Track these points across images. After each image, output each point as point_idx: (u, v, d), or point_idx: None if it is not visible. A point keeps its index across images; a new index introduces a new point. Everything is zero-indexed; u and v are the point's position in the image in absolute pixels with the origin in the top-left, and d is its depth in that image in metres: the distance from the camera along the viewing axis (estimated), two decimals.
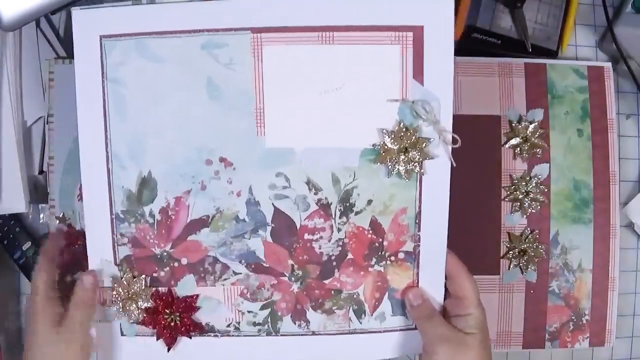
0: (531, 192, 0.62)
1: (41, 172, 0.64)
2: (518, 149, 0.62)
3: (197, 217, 0.50)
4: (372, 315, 0.51)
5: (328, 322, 0.52)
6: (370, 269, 0.51)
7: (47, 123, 0.63)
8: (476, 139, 0.62)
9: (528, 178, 0.62)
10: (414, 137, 0.48)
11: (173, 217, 0.50)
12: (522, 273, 0.62)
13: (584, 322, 0.62)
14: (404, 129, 0.48)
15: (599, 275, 0.62)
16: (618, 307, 0.62)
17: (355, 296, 0.51)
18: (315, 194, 0.50)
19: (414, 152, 0.48)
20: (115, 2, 0.54)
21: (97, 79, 0.49)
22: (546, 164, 0.62)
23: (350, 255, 0.51)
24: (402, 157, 0.48)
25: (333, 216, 0.50)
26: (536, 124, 0.62)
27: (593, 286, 0.62)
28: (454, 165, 0.48)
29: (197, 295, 0.51)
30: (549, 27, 0.63)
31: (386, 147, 0.48)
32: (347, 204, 0.50)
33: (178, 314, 0.51)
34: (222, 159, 0.49)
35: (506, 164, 0.62)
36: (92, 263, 0.51)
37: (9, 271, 0.66)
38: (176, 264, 0.51)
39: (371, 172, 0.49)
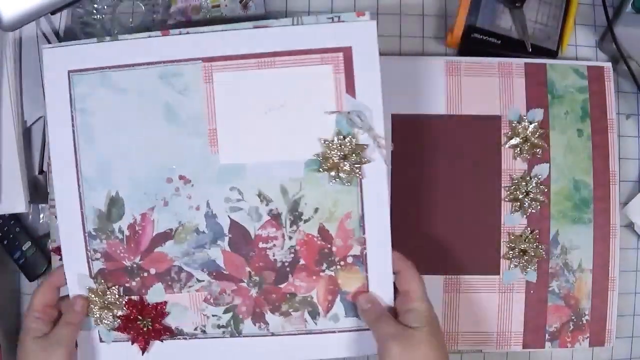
0: (531, 192, 0.62)
1: (41, 172, 0.64)
2: (518, 149, 0.62)
3: (161, 230, 0.54)
4: (325, 316, 0.55)
5: (286, 324, 0.55)
6: (321, 274, 0.54)
7: (47, 123, 0.63)
8: (476, 139, 0.62)
9: (528, 178, 0.62)
10: (351, 145, 0.52)
11: (140, 232, 0.55)
12: (522, 273, 0.62)
13: (584, 322, 0.62)
14: (342, 138, 0.52)
15: (599, 275, 0.62)
16: (618, 307, 0.62)
17: (309, 299, 0.55)
18: (267, 205, 0.54)
19: (353, 158, 0.52)
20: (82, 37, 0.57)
21: (66, 110, 0.54)
22: (546, 164, 0.62)
23: (302, 261, 0.54)
24: (342, 163, 0.52)
25: (284, 225, 0.54)
26: (536, 124, 0.62)
27: (593, 286, 0.62)
28: (389, 167, 0.53)
29: (166, 302, 0.55)
30: (549, 27, 0.63)
31: (327, 155, 0.52)
32: (296, 213, 0.54)
33: (150, 319, 0.55)
34: (181, 177, 0.54)
35: (506, 164, 0.62)
36: (70, 277, 0.55)
37: (9, 271, 0.66)
38: (145, 274, 0.55)
39: (316, 181, 0.53)
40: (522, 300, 0.62)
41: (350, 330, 0.55)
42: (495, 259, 0.62)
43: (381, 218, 0.53)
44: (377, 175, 0.53)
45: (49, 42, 0.63)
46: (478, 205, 0.62)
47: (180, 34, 0.53)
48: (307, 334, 0.55)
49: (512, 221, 0.62)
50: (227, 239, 0.54)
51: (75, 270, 0.55)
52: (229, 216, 0.54)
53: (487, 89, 0.62)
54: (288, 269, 0.55)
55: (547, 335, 0.62)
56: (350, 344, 0.55)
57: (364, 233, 0.53)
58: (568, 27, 0.63)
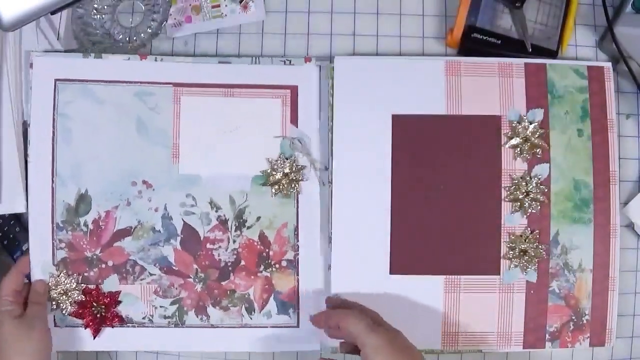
0: (531, 192, 0.62)
1: None
2: (518, 149, 0.62)
3: (122, 227, 0.62)
4: (260, 312, 0.63)
5: (224, 317, 0.63)
6: (259, 274, 0.63)
7: (30, 122, 0.63)
8: (476, 139, 0.62)
9: (528, 178, 0.62)
10: (291, 165, 0.62)
11: (103, 227, 0.62)
12: (522, 273, 0.62)
13: (584, 322, 0.62)
14: (284, 159, 0.62)
15: (599, 275, 0.62)
16: (618, 307, 0.62)
17: (246, 296, 0.63)
18: (216, 211, 0.62)
19: (292, 176, 0.62)
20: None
21: (49, 113, 0.61)
22: (546, 164, 0.62)
23: (243, 262, 0.63)
24: (283, 180, 0.62)
25: (230, 230, 0.62)
26: (536, 124, 0.62)
27: (593, 286, 0.62)
28: (324, 185, 0.62)
29: (120, 292, 0.62)
30: (549, 27, 0.63)
31: (271, 173, 0.62)
32: (241, 220, 0.62)
33: (103, 306, 0.62)
34: (144, 182, 0.62)
35: (506, 164, 0.62)
36: (34, 263, 0.61)
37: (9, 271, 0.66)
38: (103, 266, 0.62)
39: (260, 193, 0.62)
40: (522, 300, 0.62)
41: (280, 327, 0.63)
42: (495, 259, 0.62)
43: (312, 228, 0.62)
44: (312, 192, 0.63)
45: (49, 42, 0.63)
46: (478, 205, 0.62)
47: (156, 60, 0.62)
48: (242, 327, 0.63)
49: (512, 221, 0.62)
50: (179, 238, 0.62)
51: (40, 257, 0.61)
52: (182, 219, 0.62)
53: (487, 89, 0.62)
54: (230, 268, 0.62)
55: (547, 335, 0.62)
56: (280, 339, 0.62)
57: (297, 241, 0.62)
58: (568, 27, 0.63)
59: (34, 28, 0.62)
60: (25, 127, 0.63)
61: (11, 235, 0.64)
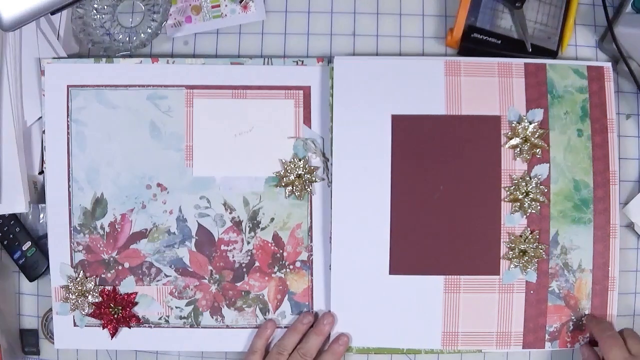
0: (531, 192, 0.62)
1: (41, 172, 0.64)
2: (518, 149, 0.62)
3: (138, 230, 0.63)
4: (274, 313, 0.63)
5: (239, 318, 0.63)
6: (273, 275, 0.63)
7: (45, 130, 0.63)
8: (476, 139, 0.62)
9: (528, 178, 0.62)
10: (305, 166, 0.62)
11: (119, 230, 0.63)
12: (522, 273, 0.62)
13: (584, 322, 0.62)
14: (297, 160, 0.62)
15: (599, 275, 0.62)
16: (618, 307, 0.62)
17: (261, 297, 0.63)
18: (230, 213, 0.63)
19: (306, 177, 0.62)
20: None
21: (63, 119, 0.62)
22: (546, 164, 0.62)
23: (257, 264, 0.63)
24: (297, 181, 0.62)
25: (243, 231, 0.63)
26: (536, 124, 0.62)
27: (593, 286, 0.62)
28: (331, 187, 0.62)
29: (136, 293, 0.63)
30: (549, 27, 0.63)
31: (284, 174, 0.62)
32: (255, 222, 0.63)
33: (120, 307, 0.62)
34: (159, 185, 0.63)
35: (506, 164, 0.62)
36: (53, 266, 0.63)
37: (9, 271, 0.66)
38: (120, 267, 0.63)
39: (273, 195, 0.63)
40: (522, 300, 0.62)
41: None
42: (495, 259, 0.62)
43: (326, 229, 0.62)
44: (325, 193, 0.62)
45: (49, 42, 0.63)
46: (478, 205, 0.62)
47: (167, 62, 0.63)
48: (257, 327, 0.63)
49: (512, 221, 0.62)
50: (194, 240, 0.63)
51: (59, 260, 0.63)
52: (197, 221, 0.63)
53: (486, 89, 0.62)
54: (244, 269, 0.63)
55: (546, 335, 0.62)
56: None
57: (311, 241, 0.63)
58: (568, 27, 0.63)
59: (34, 28, 0.62)
60: (26, 126, 0.63)
61: (11, 235, 0.64)
